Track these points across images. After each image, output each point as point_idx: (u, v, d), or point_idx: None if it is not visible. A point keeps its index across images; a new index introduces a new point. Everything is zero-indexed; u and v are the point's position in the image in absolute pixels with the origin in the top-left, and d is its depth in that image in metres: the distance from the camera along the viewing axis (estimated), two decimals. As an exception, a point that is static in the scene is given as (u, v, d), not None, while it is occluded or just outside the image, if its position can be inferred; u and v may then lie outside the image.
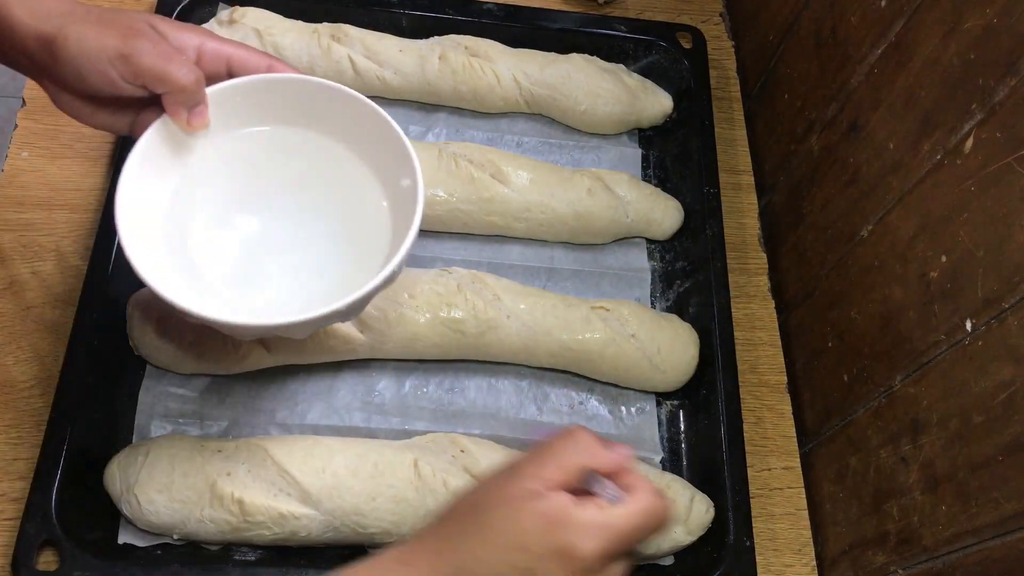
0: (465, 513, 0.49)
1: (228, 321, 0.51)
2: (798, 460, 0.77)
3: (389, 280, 0.54)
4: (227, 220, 0.60)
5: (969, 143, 0.58)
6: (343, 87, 0.59)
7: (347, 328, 0.68)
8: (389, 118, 0.59)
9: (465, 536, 0.47)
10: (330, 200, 0.61)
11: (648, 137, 0.89)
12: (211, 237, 0.59)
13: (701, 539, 0.68)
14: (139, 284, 0.71)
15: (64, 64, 0.52)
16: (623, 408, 0.74)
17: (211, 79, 0.56)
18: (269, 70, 0.58)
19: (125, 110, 0.56)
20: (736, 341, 0.76)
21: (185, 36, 0.56)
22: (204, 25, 0.80)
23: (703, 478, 0.71)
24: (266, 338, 0.67)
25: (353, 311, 0.54)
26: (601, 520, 0.47)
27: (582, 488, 0.48)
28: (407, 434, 0.69)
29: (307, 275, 0.59)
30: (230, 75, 0.58)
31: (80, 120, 0.56)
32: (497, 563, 0.46)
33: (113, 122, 0.57)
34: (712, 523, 0.68)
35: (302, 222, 0.61)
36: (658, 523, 0.49)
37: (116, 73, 0.52)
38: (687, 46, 0.89)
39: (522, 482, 0.47)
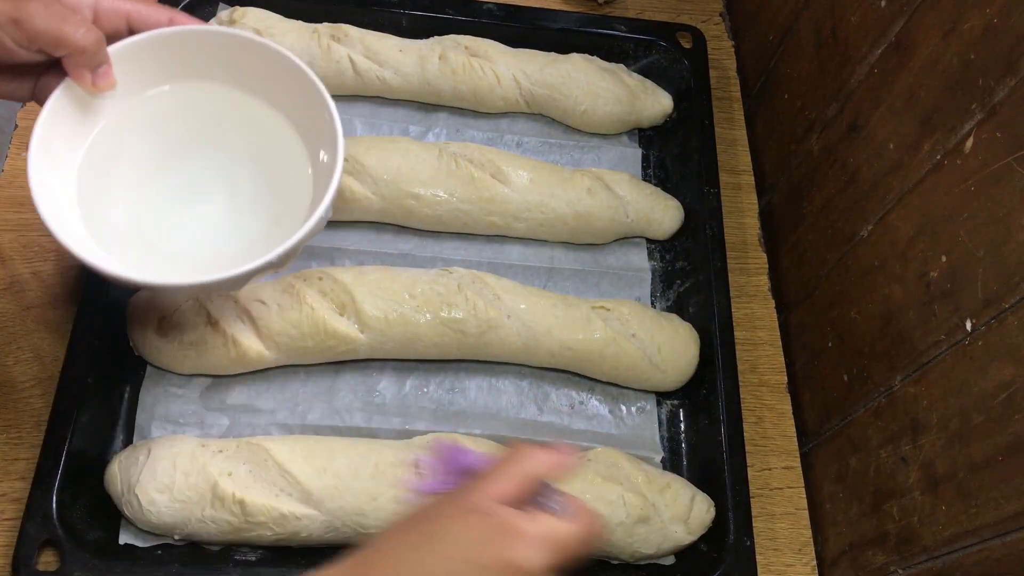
0: (415, 525, 0.48)
1: (147, 280, 0.52)
2: (798, 460, 0.77)
3: (315, 230, 0.55)
4: (143, 180, 0.59)
5: (969, 143, 0.58)
6: (247, 34, 0.59)
7: (347, 328, 0.68)
8: (305, 67, 0.58)
9: (413, 548, 0.46)
10: (249, 156, 0.61)
11: (648, 137, 0.89)
12: (128, 198, 0.58)
13: (701, 539, 0.68)
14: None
15: None
16: (623, 408, 0.74)
17: (111, 37, 0.55)
18: (171, 23, 0.57)
19: (24, 76, 0.54)
20: (736, 341, 0.76)
21: None
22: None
23: (703, 478, 0.71)
24: (265, 338, 0.67)
25: (283, 261, 0.54)
26: (549, 533, 0.47)
27: (531, 503, 0.49)
28: (408, 434, 0.69)
29: (228, 231, 0.59)
30: (130, 32, 0.56)
31: None
32: (444, 575, 0.46)
33: (13, 89, 0.55)
34: (712, 523, 0.68)
35: (221, 179, 0.60)
36: (595, 537, 0.50)
37: (9, 39, 0.50)
38: (687, 46, 0.89)
39: (471, 495, 0.47)
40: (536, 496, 0.49)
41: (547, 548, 0.46)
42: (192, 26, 0.57)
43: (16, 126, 0.78)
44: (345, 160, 0.74)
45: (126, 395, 0.68)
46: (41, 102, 0.55)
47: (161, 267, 0.56)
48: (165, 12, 0.57)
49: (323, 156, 0.59)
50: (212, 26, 0.59)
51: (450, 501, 0.48)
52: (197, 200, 0.60)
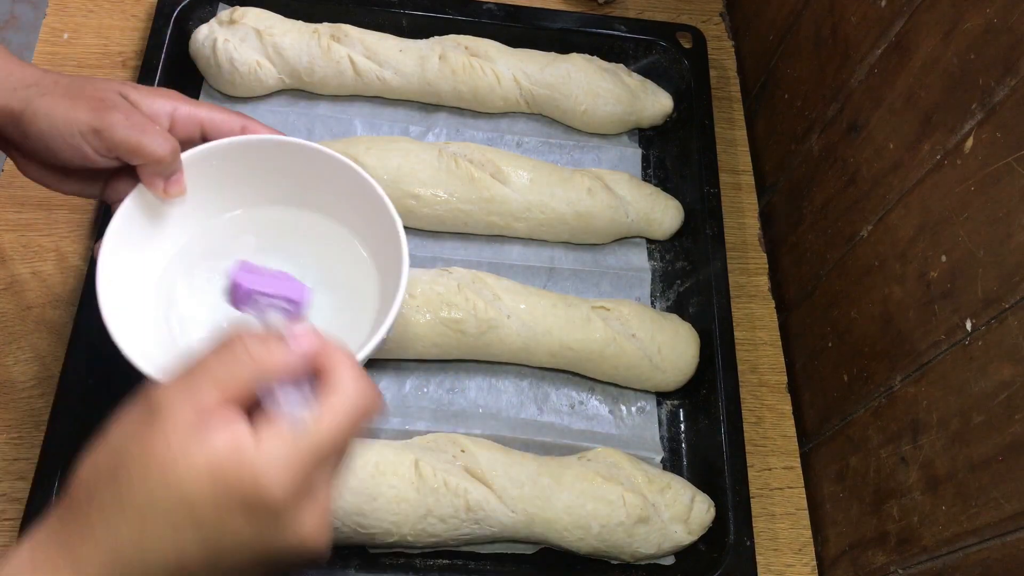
0: (102, 485, 0.37)
1: None
2: (798, 460, 0.77)
3: (373, 352, 0.53)
4: (210, 298, 0.59)
5: (969, 143, 0.58)
6: (319, 147, 0.58)
7: (347, 328, 0.68)
8: (369, 179, 0.58)
9: (109, 520, 0.36)
10: (316, 270, 0.60)
11: (648, 137, 0.89)
12: (194, 315, 0.58)
13: (701, 539, 0.68)
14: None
15: (34, 139, 0.51)
16: (623, 408, 0.75)
17: (185, 144, 0.55)
18: (243, 131, 0.57)
19: (96, 177, 0.55)
20: (736, 341, 0.76)
21: (158, 103, 0.54)
22: (204, 25, 0.80)
23: (703, 478, 0.71)
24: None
25: None
26: (285, 449, 0.36)
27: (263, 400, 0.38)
28: (407, 434, 0.69)
29: None
30: (203, 139, 0.56)
31: (49, 188, 0.55)
32: (165, 543, 0.35)
33: (83, 189, 0.56)
34: (712, 523, 0.68)
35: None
36: (367, 412, 0.40)
37: (89, 147, 0.51)
38: (687, 46, 0.89)
39: (171, 424, 0.36)
40: (264, 397, 0.38)
41: (291, 467, 0.36)
42: (262, 136, 0.58)
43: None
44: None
45: (126, 395, 0.68)
46: (109, 202, 0.55)
47: None
48: (238, 120, 0.57)
49: (389, 277, 0.58)
50: (282, 137, 0.58)
51: (143, 439, 0.36)
52: None
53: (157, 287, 0.58)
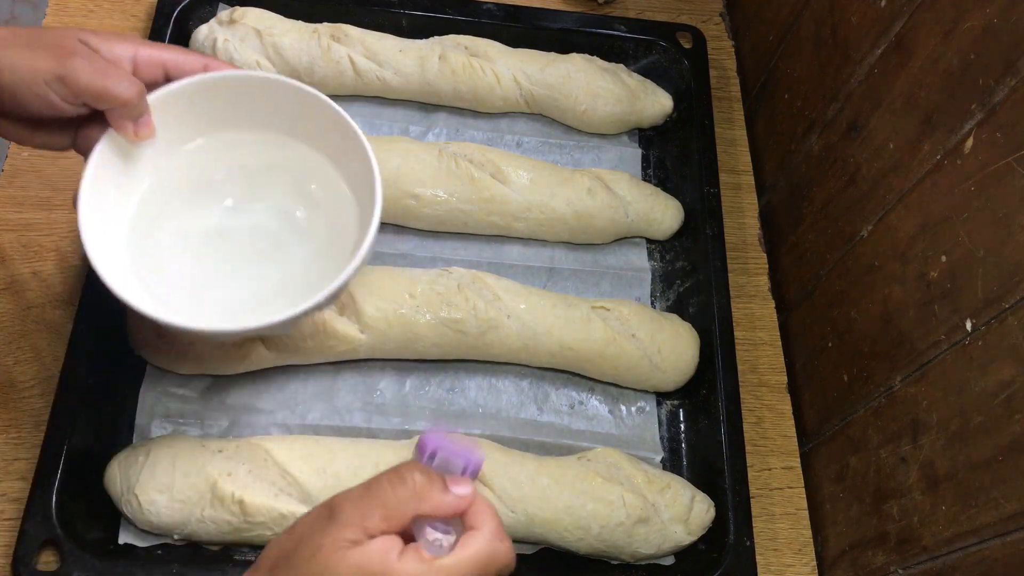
0: (278, 564, 0.44)
1: (206, 328, 0.52)
2: (798, 460, 0.77)
3: (358, 269, 0.55)
4: (190, 232, 0.60)
5: (969, 143, 0.58)
6: (282, 78, 0.60)
7: (347, 328, 0.68)
8: (331, 102, 0.59)
9: None
10: (292, 200, 0.62)
11: (648, 137, 0.89)
12: (177, 249, 0.59)
13: (701, 539, 0.68)
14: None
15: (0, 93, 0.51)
16: (623, 408, 0.75)
17: (149, 86, 0.56)
18: (205, 69, 0.58)
19: (65, 128, 0.56)
20: (736, 341, 0.76)
21: (119, 47, 0.54)
22: (204, 25, 0.80)
23: (703, 478, 0.71)
24: (266, 338, 0.67)
25: (330, 301, 0.55)
26: (422, 567, 0.43)
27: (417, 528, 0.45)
28: (408, 434, 0.69)
29: (276, 276, 0.60)
30: (167, 80, 0.57)
31: (19, 143, 0.56)
32: None
33: (54, 140, 0.56)
34: (712, 523, 0.68)
35: (266, 225, 0.62)
36: (494, 570, 0.46)
37: (55, 96, 0.51)
38: (687, 46, 0.89)
39: (341, 530, 0.43)
40: (416, 529, 0.45)
41: None
42: (227, 72, 0.58)
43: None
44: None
45: (126, 395, 0.68)
46: (80, 151, 0.56)
47: (211, 315, 0.57)
48: (200, 59, 0.58)
49: (364, 196, 0.59)
50: (245, 71, 0.60)
51: (317, 535, 0.44)
52: (244, 247, 0.61)
53: (133, 222, 0.59)
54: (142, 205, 0.59)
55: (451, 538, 0.45)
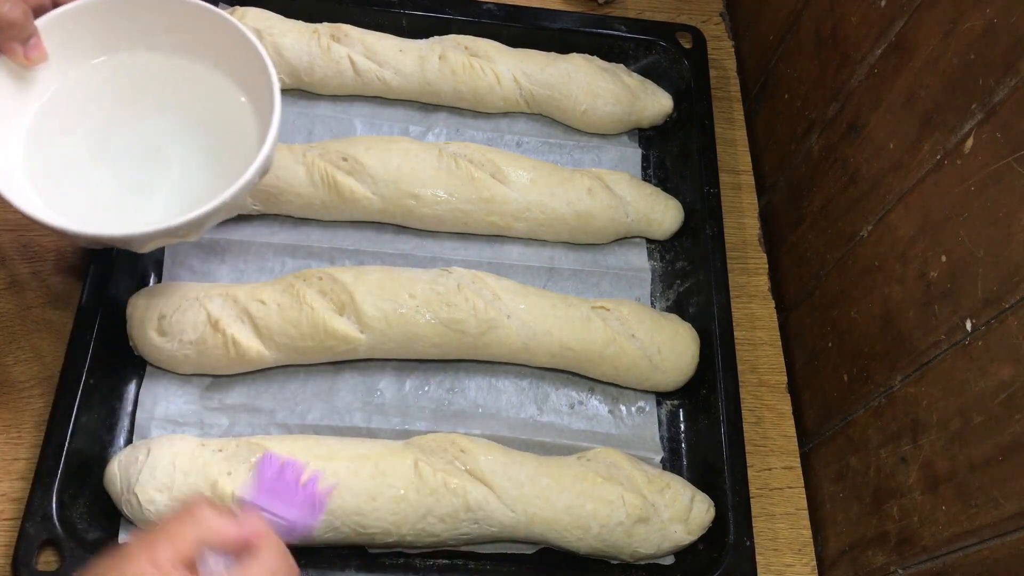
0: None
1: (98, 233, 0.55)
2: (798, 460, 0.77)
3: (261, 170, 0.58)
4: (91, 148, 0.63)
5: (969, 143, 0.58)
6: None
7: (347, 328, 0.68)
8: (226, 15, 0.61)
9: None
10: (195, 115, 0.64)
11: (648, 137, 0.89)
12: (77, 165, 0.62)
13: (701, 539, 0.68)
14: (139, 284, 0.71)
15: None
16: (623, 408, 0.74)
17: (37, 11, 0.56)
18: None
19: None
20: (736, 341, 0.76)
21: None
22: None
23: (703, 478, 0.71)
24: (265, 338, 0.67)
25: (229, 208, 0.58)
26: None
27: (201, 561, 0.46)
28: (407, 434, 0.69)
29: (180, 188, 0.63)
30: (55, 5, 0.57)
31: None
32: None
33: None
34: (712, 523, 0.68)
35: (169, 141, 0.64)
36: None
37: None
38: (687, 46, 0.89)
39: (132, 567, 0.44)
40: (199, 559, 0.46)
41: None
42: None
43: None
44: (344, 159, 0.74)
45: (126, 395, 0.68)
46: None
47: (108, 221, 0.60)
48: None
49: (264, 108, 0.62)
50: None
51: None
52: (147, 162, 0.64)
53: (31, 135, 0.60)
54: (39, 119, 0.61)
55: (229, 561, 0.46)
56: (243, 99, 0.64)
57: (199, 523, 0.46)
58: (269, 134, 0.59)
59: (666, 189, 0.84)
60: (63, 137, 0.62)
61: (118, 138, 0.64)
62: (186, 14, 0.62)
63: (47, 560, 0.59)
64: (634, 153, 0.87)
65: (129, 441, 0.66)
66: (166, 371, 0.69)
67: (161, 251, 0.74)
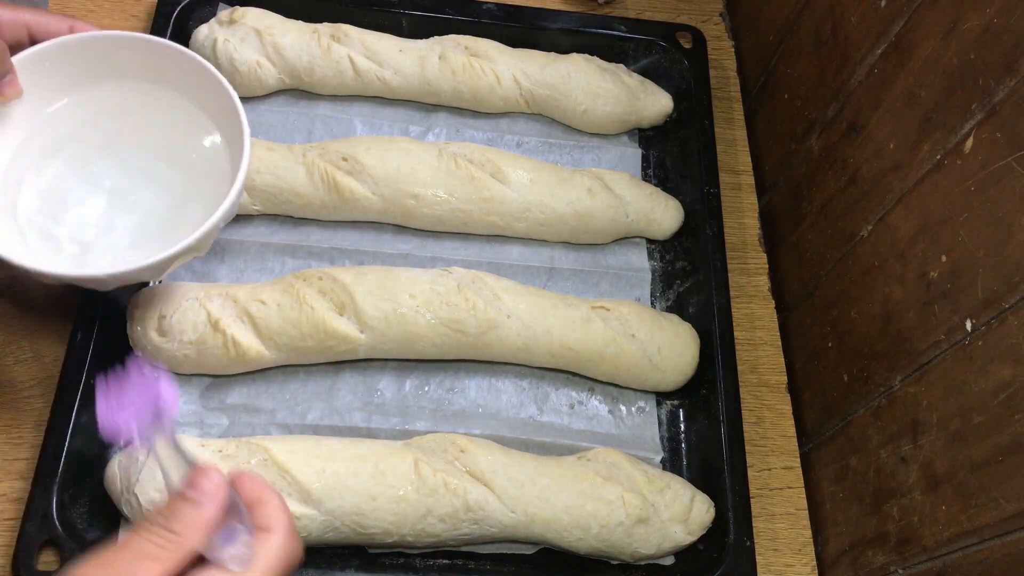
0: None
1: (66, 273, 0.55)
2: (798, 460, 0.77)
3: (229, 213, 0.58)
4: (65, 185, 0.63)
5: (969, 143, 0.58)
6: (145, 36, 0.62)
7: (347, 328, 0.68)
8: (194, 55, 0.62)
9: None
10: (168, 151, 0.65)
11: (648, 137, 0.89)
12: (51, 203, 0.62)
13: (701, 539, 0.68)
14: (139, 284, 0.71)
15: None
16: (623, 408, 0.75)
17: (14, 48, 0.56)
18: (71, 31, 0.59)
19: None
20: (736, 341, 0.76)
21: None
22: (204, 25, 0.80)
23: (703, 478, 0.71)
24: (266, 339, 0.67)
25: (202, 244, 0.58)
26: None
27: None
28: (407, 434, 0.69)
29: (151, 224, 0.63)
30: (32, 42, 0.58)
31: None
32: None
33: None
34: (712, 523, 0.68)
35: (142, 177, 0.64)
36: (291, 566, 0.45)
37: None
38: (687, 46, 0.89)
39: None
40: (218, 545, 0.42)
41: None
42: (93, 32, 0.60)
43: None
44: (344, 159, 0.74)
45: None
46: None
47: (76, 260, 0.60)
48: (65, 21, 0.59)
49: (235, 142, 0.63)
50: (110, 31, 0.62)
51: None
52: (117, 201, 0.64)
53: (4, 174, 0.61)
54: (15, 156, 0.61)
55: (248, 542, 0.43)
56: (217, 137, 0.65)
57: (172, 540, 0.42)
58: (237, 178, 0.59)
59: (666, 189, 0.84)
60: (36, 175, 0.62)
61: (89, 176, 0.64)
62: (159, 54, 0.63)
63: (47, 560, 0.59)
64: (634, 153, 0.87)
65: (129, 441, 0.66)
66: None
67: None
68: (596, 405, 0.74)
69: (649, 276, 0.81)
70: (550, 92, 0.84)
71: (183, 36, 0.81)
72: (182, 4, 0.81)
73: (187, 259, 0.59)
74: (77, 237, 0.62)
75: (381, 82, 0.82)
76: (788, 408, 0.79)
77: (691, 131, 0.84)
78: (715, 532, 0.68)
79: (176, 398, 0.45)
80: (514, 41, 0.86)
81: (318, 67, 0.81)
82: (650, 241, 0.83)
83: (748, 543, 0.67)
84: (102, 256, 0.61)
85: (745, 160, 0.91)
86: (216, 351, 0.67)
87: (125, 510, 0.61)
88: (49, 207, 0.62)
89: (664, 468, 0.73)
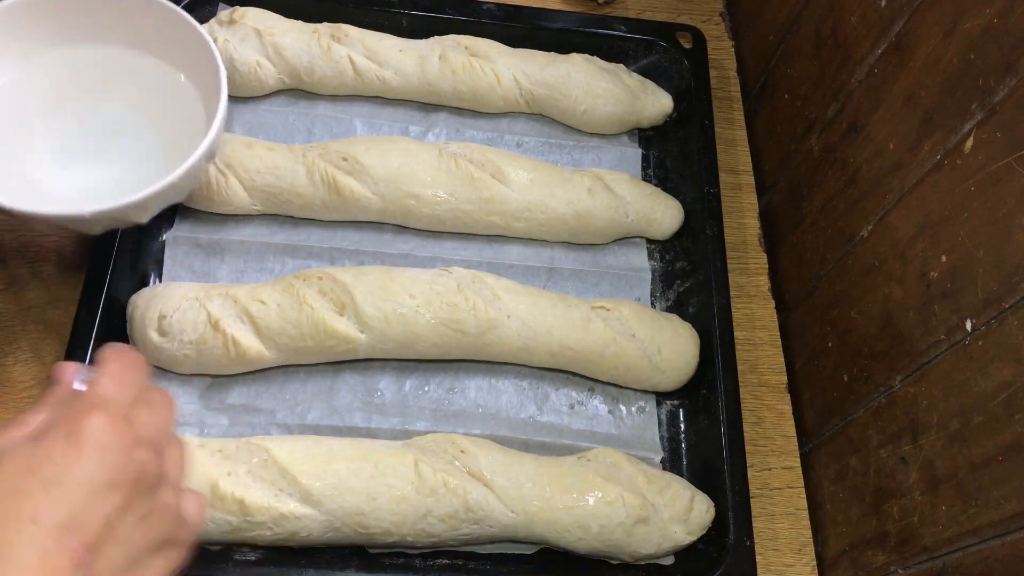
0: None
1: (47, 212, 0.57)
2: (798, 460, 0.77)
3: (209, 155, 0.61)
4: (38, 136, 0.65)
5: (969, 143, 0.58)
6: None
7: (347, 328, 0.68)
8: (171, 4, 0.64)
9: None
10: (137, 101, 0.67)
11: (648, 137, 0.89)
12: (29, 151, 0.64)
13: (701, 539, 0.68)
14: (139, 284, 0.71)
15: None
16: (623, 408, 0.75)
17: None
18: None
19: None
20: (736, 341, 0.76)
21: None
22: (204, 25, 0.80)
23: (703, 478, 0.71)
24: (265, 339, 0.67)
25: (184, 185, 0.61)
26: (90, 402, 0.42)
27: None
28: (407, 434, 0.69)
29: (129, 176, 0.65)
30: None
31: None
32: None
33: None
34: (712, 523, 0.68)
35: (119, 130, 0.66)
36: (131, 364, 0.46)
37: None
38: (687, 46, 0.89)
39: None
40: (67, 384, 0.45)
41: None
42: None
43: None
44: (344, 160, 0.74)
45: (126, 395, 0.68)
46: None
47: (61, 202, 0.61)
48: None
49: (211, 93, 0.64)
50: None
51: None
52: (96, 151, 0.66)
53: None
54: None
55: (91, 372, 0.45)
56: (193, 89, 0.67)
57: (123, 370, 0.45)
58: (216, 118, 0.61)
59: (666, 189, 0.84)
60: (13, 127, 0.64)
61: (67, 127, 0.66)
62: (134, 5, 0.64)
63: (47, 560, 0.59)
64: (634, 153, 0.87)
65: (129, 441, 0.66)
66: (166, 371, 0.69)
67: (161, 251, 0.74)
68: (596, 405, 0.74)
69: (649, 276, 0.81)
70: (550, 92, 0.84)
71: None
72: (182, 4, 0.81)
73: (169, 202, 0.62)
74: (58, 187, 0.64)
75: (381, 82, 0.82)
76: (788, 408, 0.79)
77: (691, 131, 0.84)
78: (715, 532, 0.68)
79: None
80: (514, 41, 0.86)
81: (318, 67, 0.81)
82: (650, 241, 0.83)
83: (748, 543, 0.67)
84: (85, 202, 0.62)
85: (745, 160, 0.91)
86: (216, 351, 0.67)
87: (125, 510, 0.61)
88: (29, 157, 0.64)
89: (664, 468, 0.73)
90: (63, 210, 0.57)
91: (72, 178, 0.64)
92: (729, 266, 0.78)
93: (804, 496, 0.76)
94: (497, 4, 0.88)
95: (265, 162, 0.74)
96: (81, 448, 0.40)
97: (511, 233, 0.79)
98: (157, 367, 0.69)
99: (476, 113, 0.86)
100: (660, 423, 0.75)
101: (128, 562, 0.41)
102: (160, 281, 0.73)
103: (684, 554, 0.69)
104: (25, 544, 0.37)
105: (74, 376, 0.45)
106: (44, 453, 0.39)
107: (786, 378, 0.80)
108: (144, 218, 0.61)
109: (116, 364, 0.46)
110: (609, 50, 0.89)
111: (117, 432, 0.41)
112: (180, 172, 0.58)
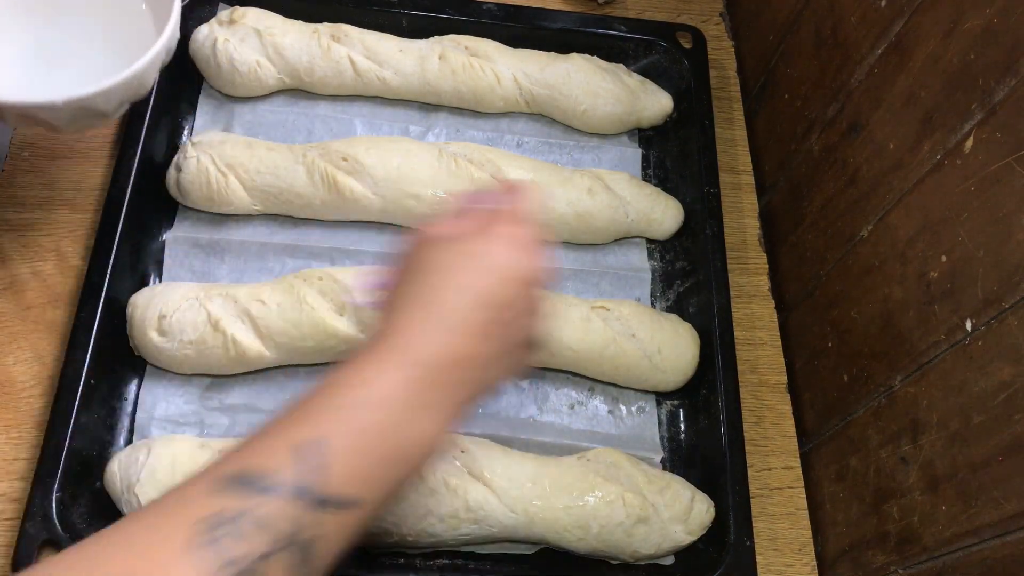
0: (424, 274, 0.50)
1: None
2: (798, 460, 0.77)
3: (168, 47, 0.62)
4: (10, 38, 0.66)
5: (969, 143, 0.58)
6: None
7: (347, 328, 0.68)
8: None
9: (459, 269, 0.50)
10: (89, 18, 0.67)
11: (648, 137, 0.89)
12: None
13: (701, 539, 0.68)
14: (139, 284, 0.71)
15: None
16: (623, 408, 0.74)
17: None
18: None
19: None
20: (736, 341, 0.76)
21: None
22: (204, 25, 0.80)
23: (703, 478, 0.71)
24: (265, 339, 0.67)
25: (148, 77, 0.61)
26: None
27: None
28: (407, 434, 0.69)
29: (81, 77, 0.63)
30: None
31: None
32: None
33: None
34: (712, 523, 0.68)
35: (68, 43, 0.67)
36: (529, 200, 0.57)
37: None
38: (687, 46, 0.89)
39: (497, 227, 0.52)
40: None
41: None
42: None
43: (15, 129, 0.78)
44: (344, 160, 0.74)
45: (126, 395, 0.68)
46: None
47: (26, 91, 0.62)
48: None
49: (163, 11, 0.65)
50: None
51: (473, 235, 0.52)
52: (51, 62, 0.66)
53: None
54: None
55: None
56: (150, 16, 0.68)
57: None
58: (171, 16, 0.62)
59: (666, 189, 0.84)
60: None
61: (26, 40, 0.66)
62: None
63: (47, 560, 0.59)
64: (634, 153, 0.87)
65: (129, 441, 0.66)
66: (166, 371, 0.69)
67: (161, 251, 0.74)
68: (596, 405, 0.74)
69: (649, 276, 0.81)
70: (550, 92, 0.84)
71: (183, 36, 0.81)
72: (182, 4, 0.81)
73: (134, 96, 0.62)
74: (19, 75, 0.65)
75: (381, 82, 0.82)
76: (788, 408, 0.79)
77: (691, 131, 0.84)
78: (715, 532, 0.68)
79: None
80: (514, 41, 0.86)
81: (318, 67, 0.81)
82: (650, 241, 0.83)
83: (748, 543, 0.67)
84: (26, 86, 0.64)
85: (745, 160, 0.91)
86: (216, 351, 0.67)
87: (125, 510, 0.61)
88: None
89: (664, 468, 0.73)
90: (34, 98, 0.57)
91: (35, 86, 0.64)
92: (729, 266, 0.78)
93: (804, 496, 0.76)
94: (497, 4, 0.88)
95: (265, 162, 0.74)
96: (494, 246, 0.51)
97: (511, 233, 0.79)
98: (157, 367, 0.69)
99: (476, 113, 0.86)
100: (660, 423, 0.75)
101: (502, 344, 0.50)
102: (160, 281, 0.73)
103: (684, 554, 0.69)
104: (458, 303, 0.48)
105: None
106: (472, 244, 0.50)
107: (786, 378, 0.80)
108: (113, 111, 0.61)
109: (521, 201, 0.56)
110: (609, 50, 0.89)
111: (518, 238, 0.52)
112: (142, 63, 0.59)
